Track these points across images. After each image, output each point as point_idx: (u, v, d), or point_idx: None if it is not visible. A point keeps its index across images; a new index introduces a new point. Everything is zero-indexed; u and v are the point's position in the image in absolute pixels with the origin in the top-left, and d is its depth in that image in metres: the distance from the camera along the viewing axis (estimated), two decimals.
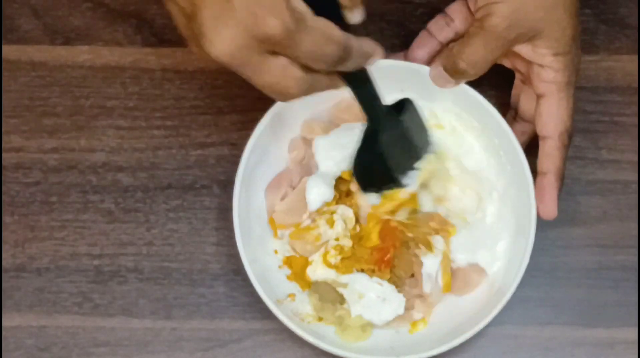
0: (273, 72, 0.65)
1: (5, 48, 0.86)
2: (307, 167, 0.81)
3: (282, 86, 0.66)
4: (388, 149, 0.76)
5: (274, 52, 0.64)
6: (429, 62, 0.81)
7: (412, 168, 0.78)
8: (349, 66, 0.67)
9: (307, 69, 0.66)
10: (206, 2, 0.64)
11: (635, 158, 0.84)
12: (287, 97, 0.67)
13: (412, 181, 0.78)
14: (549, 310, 0.82)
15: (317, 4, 0.65)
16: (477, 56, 0.75)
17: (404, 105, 0.76)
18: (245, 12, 0.62)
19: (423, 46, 0.81)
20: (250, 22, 0.62)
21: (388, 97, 0.77)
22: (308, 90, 0.67)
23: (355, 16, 0.68)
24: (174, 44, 0.86)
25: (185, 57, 0.86)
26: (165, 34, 0.86)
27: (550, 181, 0.76)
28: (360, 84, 0.72)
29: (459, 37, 0.79)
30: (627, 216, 0.83)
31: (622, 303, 0.82)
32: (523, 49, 0.76)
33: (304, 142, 0.81)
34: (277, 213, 0.80)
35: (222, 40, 0.63)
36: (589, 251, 0.83)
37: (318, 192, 0.79)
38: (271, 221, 0.81)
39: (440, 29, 0.80)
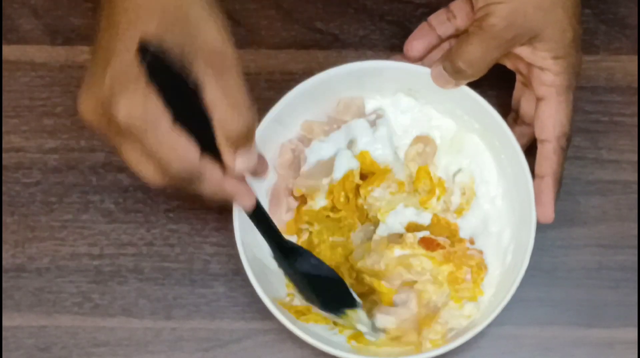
0: (130, 155, 0.65)
1: (5, 48, 0.86)
2: (297, 168, 0.81)
3: (138, 173, 0.66)
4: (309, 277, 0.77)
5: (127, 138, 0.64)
6: (425, 54, 0.81)
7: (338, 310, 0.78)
8: (204, 193, 0.67)
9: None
10: (95, 57, 0.65)
11: (635, 158, 0.84)
12: (149, 184, 0.66)
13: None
14: (549, 310, 0.82)
15: (192, 123, 0.64)
16: (474, 55, 0.75)
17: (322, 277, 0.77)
18: (107, 86, 0.62)
19: (421, 37, 0.81)
20: (106, 99, 0.63)
21: (389, 98, 0.78)
22: (168, 184, 0.66)
23: (237, 162, 0.66)
24: None
25: None
26: None
27: (547, 185, 0.76)
28: (258, 221, 0.73)
29: (458, 34, 0.79)
30: (627, 216, 0.83)
31: (622, 303, 0.82)
32: (524, 52, 0.76)
33: (299, 141, 0.81)
34: (299, 179, 0.80)
35: (86, 106, 0.65)
36: (589, 251, 0.83)
37: (347, 158, 0.79)
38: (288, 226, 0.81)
39: (441, 23, 0.80)
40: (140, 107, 0.62)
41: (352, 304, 0.78)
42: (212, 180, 0.66)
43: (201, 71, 0.63)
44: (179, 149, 0.64)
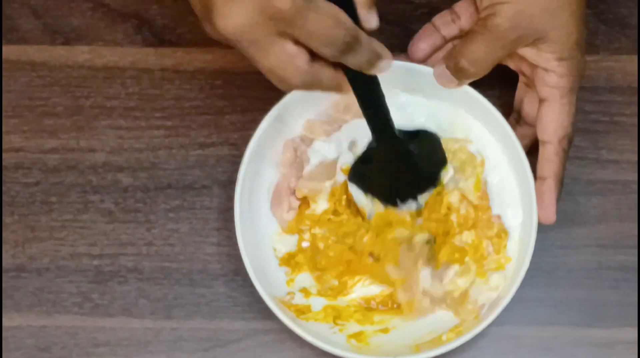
0: (278, 56, 0.66)
1: (5, 48, 0.86)
2: (300, 166, 0.81)
3: (284, 73, 0.66)
4: (387, 165, 0.76)
5: (283, 35, 0.65)
6: (429, 55, 0.81)
7: (411, 197, 0.79)
8: (357, 60, 0.68)
9: (313, 59, 0.66)
10: None
11: (635, 158, 0.84)
12: (286, 85, 0.67)
13: (408, 206, 0.79)
14: (549, 310, 0.82)
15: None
16: (478, 54, 0.75)
17: (419, 135, 0.76)
18: None
19: (426, 38, 0.81)
20: None
21: (393, 99, 0.78)
22: (310, 84, 0.67)
23: (370, 17, 0.68)
24: (174, 44, 0.86)
25: (185, 57, 0.86)
26: (165, 34, 0.86)
27: (549, 186, 0.76)
28: (368, 91, 0.71)
29: (462, 35, 0.79)
30: (627, 216, 0.83)
31: (622, 303, 0.82)
32: (528, 53, 0.76)
33: (301, 140, 0.81)
34: (302, 181, 0.80)
35: (233, 15, 0.64)
36: (589, 251, 0.83)
37: (349, 161, 0.80)
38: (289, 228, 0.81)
39: (445, 24, 0.80)
40: None
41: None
42: (365, 42, 0.68)
43: None
44: (340, 16, 0.65)
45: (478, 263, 0.79)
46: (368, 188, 0.79)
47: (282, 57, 0.66)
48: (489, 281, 0.78)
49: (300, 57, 0.66)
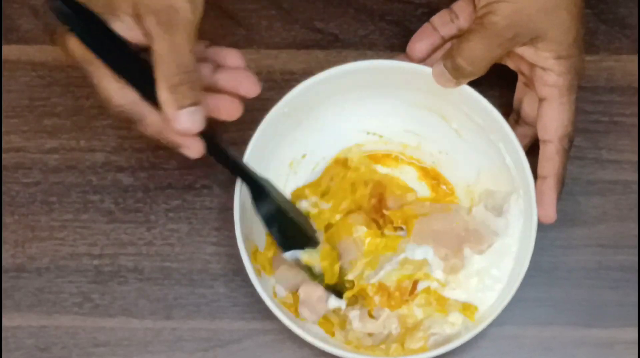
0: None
1: (5, 48, 0.86)
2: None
3: (106, 92, 0.69)
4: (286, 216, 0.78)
5: None
6: (428, 55, 0.81)
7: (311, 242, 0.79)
8: (148, 133, 0.69)
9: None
10: None
11: (635, 158, 0.84)
12: (109, 105, 0.69)
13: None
14: (549, 310, 0.82)
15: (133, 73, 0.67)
16: (474, 52, 0.75)
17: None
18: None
19: (424, 38, 0.81)
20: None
21: (393, 99, 0.78)
22: (133, 114, 0.69)
23: (181, 120, 0.68)
24: None
25: None
26: None
27: (549, 186, 0.76)
28: (217, 158, 0.73)
29: (461, 35, 0.79)
30: (627, 216, 0.83)
31: (622, 303, 0.82)
32: (526, 52, 0.76)
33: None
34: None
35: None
36: (589, 251, 0.83)
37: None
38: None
39: (443, 24, 0.80)
40: (78, 47, 0.66)
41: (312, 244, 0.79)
42: (153, 124, 0.69)
43: (152, 26, 0.67)
44: (118, 91, 0.67)
45: (439, 302, 0.79)
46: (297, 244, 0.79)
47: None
48: (448, 316, 0.78)
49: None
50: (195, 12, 0.68)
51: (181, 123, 0.68)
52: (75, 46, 0.67)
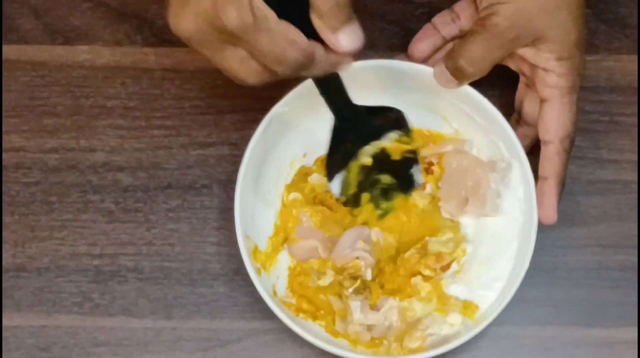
0: (231, 60, 0.66)
1: (5, 48, 0.86)
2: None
3: (239, 75, 0.67)
4: (356, 145, 0.78)
5: (234, 43, 0.65)
6: (430, 56, 0.81)
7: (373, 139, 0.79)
8: (314, 73, 0.68)
9: None
10: None
11: (635, 158, 0.84)
12: (246, 84, 0.68)
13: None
14: (549, 310, 0.82)
15: (291, 16, 0.65)
16: (476, 53, 0.75)
17: (382, 109, 0.77)
18: (207, 1, 0.64)
19: (426, 39, 0.81)
20: (210, 10, 0.64)
21: (394, 99, 0.79)
22: (265, 81, 0.68)
23: (340, 42, 0.67)
24: (174, 44, 0.86)
25: (185, 57, 0.86)
26: (165, 34, 0.86)
27: (550, 186, 0.76)
28: (329, 86, 0.72)
29: (462, 35, 0.79)
30: (627, 216, 0.83)
31: (622, 303, 0.82)
32: (527, 53, 0.75)
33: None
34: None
35: (183, 19, 0.65)
36: (589, 251, 0.83)
37: None
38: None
39: (445, 24, 0.80)
40: (248, 9, 0.63)
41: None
42: (321, 58, 0.67)
43: None
44: (291, 36, 0.65)
45: (440, 300, 0.79)
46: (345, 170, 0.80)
47: (234, 61, 0.66)
48: (447, 316, 0.79)
49: (251, 62, 0.66)
50: None
51: (341, 45, 0.67)
52: (243, 10, 0.64)
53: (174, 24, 0.66)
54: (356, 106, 0.76)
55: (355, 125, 0.77)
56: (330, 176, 0.80)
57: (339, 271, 0.80)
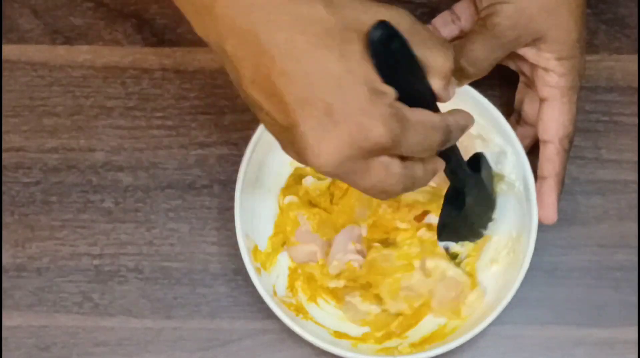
0: (376, 173, 0.62)
1: (5, 48, 0.86)
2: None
3: (385, 184, 0.63)
4: (472, 207, 0.77)
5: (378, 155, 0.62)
6: None
7: (490, 219, 0.79)
8: (450, 144, 0.66)
9: (403, 158, 0.63)
10: (305, 117, 0.60)
11: (635, 158, 0.84)
12: (391, 195, 0.64)
13: (488, 231, 0.80)
14: (549, 310, 0.82)
15: (410, 94, 0.62)
16: (477, 54, 0.75)
17: (478, 161, 0.76)
18: (350, 124, 0.59)
19: None
20: (356, 133, 0.59)
21: None
22: (411, 184, 0.64)
23: (450, 93, 0.65)
24: (174, 44, 0.86)
25: (185, 57, 0.86)
26: (165, 34, 0.86)
27: (550, 186, 0.76)
28: (451, 154, 0.70)
29: (463, 36, 0.79)
30: (627, 216, 0.83)
31: (622, 303, 0.82)
32: (528, 53, 0.75)
33: None
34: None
35: (328, 153, 0.60)
36: (589, 251, 0.83)
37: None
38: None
39: (445, 25, 0.80)
40: (391, 115, 0.60)
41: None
42: (454, 126, 0.65)
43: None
44: (430, 120, 0.62)
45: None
46: (458, 237, 0.79)
47: (379, 173, 0.62)
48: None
49: (393, 165, 0.62)
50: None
51: (451, 95, 0.65)
52: (390, 121, 0.60)
53: (318, 164, 0.60)
54: (471, 174, 0.75)
55: (471, 190, 0.76)
56: (444, 240, 0.79)
57: (336, 277, 0.80)
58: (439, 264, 0.79)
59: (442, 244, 0.79)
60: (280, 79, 0.59)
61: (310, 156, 0.60)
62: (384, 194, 0.64)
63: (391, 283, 0.79)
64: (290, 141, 0.61)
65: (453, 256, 0.79)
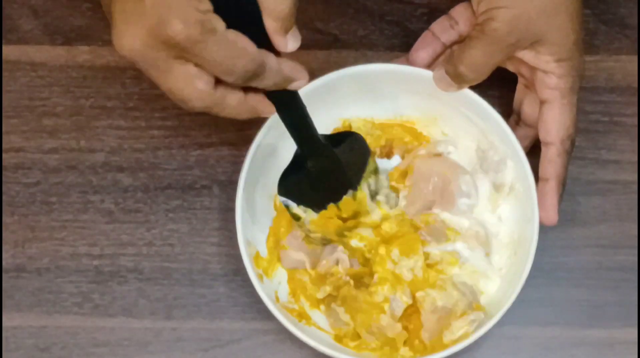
0: (177, 78, 0.65)
1: (5, 48, 0.86)
2: None
3: (183, 94, 0.65)
4: (317, 176, 0.76)
5: (182, 58, 0.64)
6: (431, 63, 0.80)
7: (339, 199, 0.78)
8: (264, 84, 0.67)
9: (218, 82, 0.65)
10: None
11: (635, 158, 0.84)
12: (188, 107, 0.66)
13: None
14: (549, 310, 0.82)
15: (241, 24, 0.64)
16: (476, 59, 0.75)
17: (344, 137, 0.76)
18: (152, 12, 0.62)
19: (425, 47, 0.80)
20: (155, 23, 0.62)
21: (395, 102, 0.79)
22: (212, 107, 0.66)
23: (286, 42, 0.66)
24: None
25: None
26: None
27: (551, 188, 0.76)
28: (287, 108, 0.71)
29: (462, 40, 0.79)
30: (627, 216, 0.83)
31: (622, 303, 0.82)
32: (526, 55, 0.75)
33: None
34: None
35: (129, 36, 0.63)
36: (589, 251, 0.83)
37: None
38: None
39: (443, 30, 0.80)
40: (194, 21, 0.62)
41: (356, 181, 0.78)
42: (272, 67, 0.66)
43: None
44: (241, 45, 0.64)
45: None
46: (299, 199, 0.78)
47: (181, 79, 0.65)
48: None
49: (201, 80, 0.65)
50: None
51: (290, 47, 0.67)
52: (190, 21, 0.62)
53: (119, 44, 0.64)
54: (322, 142, 0.75)
55: (317, 156, 0.76)
56: (283, 194, 0.77)
57: (321, 279, 0.80)
58: (429, 293, 0.79)
59: (282, 199, 0.77)
60: None
61: (115, 37, 0.64)
62: (183, 103, 0.66)
63: (363, 319, 0.78)
64: (110, 23, 0.65)
65: (296, 218, 0.78)
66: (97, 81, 0.86)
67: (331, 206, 0.78)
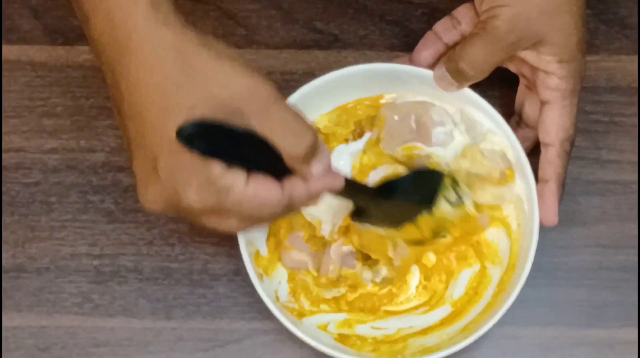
0: (209, 224, 0.65)
1: (5, 48, 0.86)
2: None
3: (223, 232, 0.66)
4: (380, 218, 0.77)
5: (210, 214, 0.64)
6: (434, 63, 0.80)
7: (411, 220, 0.78)
8: (300, 210, 0.68)
9: None
10: (136, 155, 0.64)
11: (635, 158, 0.84)
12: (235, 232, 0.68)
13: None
14: (549, 310, 0.82)
15: (262, 163, 0.64)
16: (477, 57, 0.75)
17: (391, 187, 0.76)
18: (167, 184, 0.63)
19: (428, 47, 0.80)
20: (172, 195, 0.63)
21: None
22: (281, 216, 0.66)
23: (313, 170, 0.65)
24: None
25: None
26: None
27: (551, 189, 0.76)
28: (346, 195, 0.71)
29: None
30: (627, 216, 0.83)
31: (622, 303, 0.82)
32: (528, 55, 0.75)
33: None
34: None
35: (150, 201, 0.65)
36: (589, 251, 0.83)
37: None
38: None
39: (446, 31, 0.80)
40: (208, 187, 0.62)
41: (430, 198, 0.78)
42: (302, 196, 0.65)
43: (246, 119, 0.63)
44: (263, 194, 0.63)
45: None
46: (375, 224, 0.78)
47: (212, 225, 0.65)
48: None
49: (228, 223, 0.65)
50: (273, 87, 0.64)
51: (316, 170, 0.66)
52: (204, 192, 0.62)
53: (142, 200, 0.65)
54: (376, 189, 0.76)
55: (376, 207, 0.76)
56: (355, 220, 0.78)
57: (335, 283, 0.80)
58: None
59: (359, 226, 0.78)
60: (127, 110, 0.64)
61: (138, 195, 0.65)
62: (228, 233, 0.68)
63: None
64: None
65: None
66: (97, 81, 0.86)
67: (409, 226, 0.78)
